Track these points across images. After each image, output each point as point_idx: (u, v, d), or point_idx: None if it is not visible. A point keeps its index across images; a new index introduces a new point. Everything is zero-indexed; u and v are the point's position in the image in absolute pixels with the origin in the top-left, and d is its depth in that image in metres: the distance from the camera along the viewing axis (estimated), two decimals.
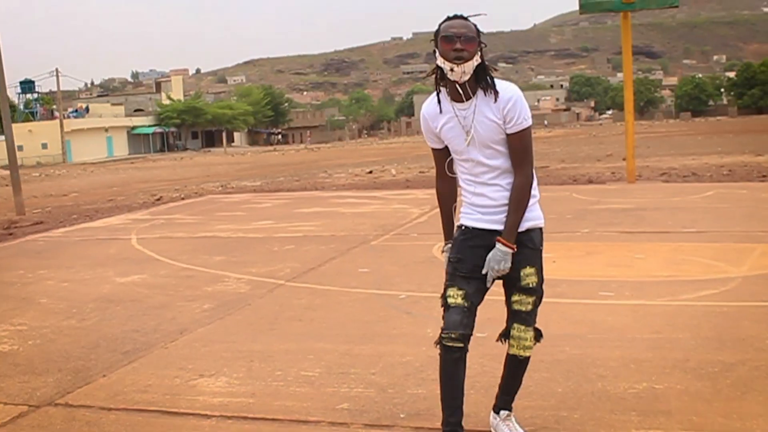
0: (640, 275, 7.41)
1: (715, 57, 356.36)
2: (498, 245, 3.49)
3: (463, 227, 3.66)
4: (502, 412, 3.77)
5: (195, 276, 8.46)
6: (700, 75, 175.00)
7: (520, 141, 3.52)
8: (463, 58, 3.40)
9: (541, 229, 3.65)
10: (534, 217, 3.60)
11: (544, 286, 3.65)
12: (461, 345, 3.48)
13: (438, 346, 3.53)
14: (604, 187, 16.29)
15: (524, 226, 3.56)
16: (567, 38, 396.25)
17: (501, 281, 3.61)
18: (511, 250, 3.49)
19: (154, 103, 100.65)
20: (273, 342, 5.72)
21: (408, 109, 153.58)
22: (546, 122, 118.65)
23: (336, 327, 6.05)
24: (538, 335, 3.67)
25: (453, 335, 3.46)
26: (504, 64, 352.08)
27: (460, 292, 3.52)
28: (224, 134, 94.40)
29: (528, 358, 3.67)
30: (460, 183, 3.71)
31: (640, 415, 3.99)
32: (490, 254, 3.50)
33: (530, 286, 3.57)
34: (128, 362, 5.38)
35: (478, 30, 3.50)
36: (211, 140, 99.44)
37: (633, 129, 16.93)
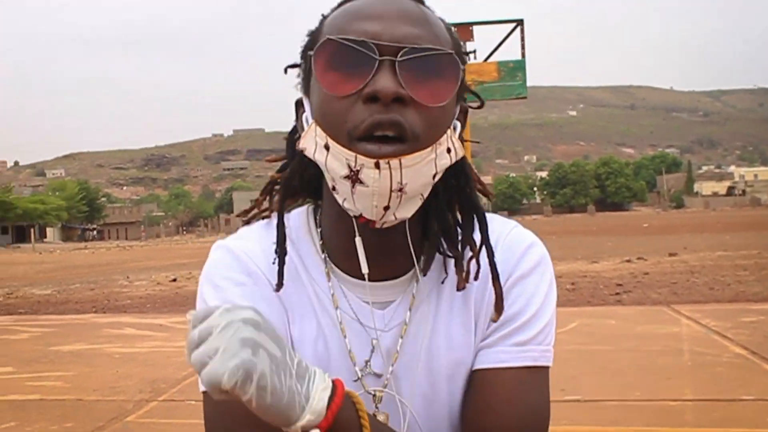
0: None
1: (526, 157, 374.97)
2: None
3: None
4: None
5: None
6: (513, 174, 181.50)
7: (520, 402, 1.19)
8: (404, 138, 1.06)
9: None
10: None
11: None
12: None
13: None
14: None
15: None
16: None
17: None
18: None
19: None
20: None
21: (227, 206, 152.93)
22: None
23: None
24: None
25: None
26: None
27: None
28: (33, 230, 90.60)
29: None
30: None
31: None
32: None
33: None
34: None
35: (455, 38, 1.19)
36: (22, 235, 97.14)
37: None
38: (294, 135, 1.24)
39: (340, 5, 1.17)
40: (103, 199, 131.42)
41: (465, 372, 1.24)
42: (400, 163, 1.05)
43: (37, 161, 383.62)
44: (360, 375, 1.20)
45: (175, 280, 23.75)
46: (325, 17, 1.18)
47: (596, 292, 15.71)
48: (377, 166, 1.04)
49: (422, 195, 1.13)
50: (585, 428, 6.23)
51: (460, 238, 1.25)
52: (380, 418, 1.17)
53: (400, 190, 1.07)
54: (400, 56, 1.05)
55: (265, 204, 1.37)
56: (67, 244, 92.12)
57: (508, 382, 1.20)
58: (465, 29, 14.06)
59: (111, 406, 7.56)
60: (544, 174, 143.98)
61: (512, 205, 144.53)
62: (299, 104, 1.21)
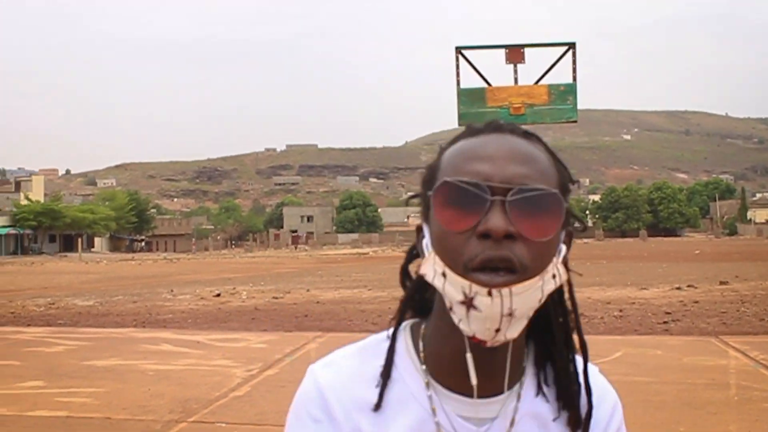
0: None
1: (579, 180, 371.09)
2: None
3: None
4: None
5: None
6: None
7: None
8: (511, 271, 1.15)
9: None
10: None
11: None
12: None
13: None
14: None
15: None
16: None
17: None
18: None
19: (11, 203, 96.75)
20: None
21: (277, 221, 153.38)
22: None
23: None
24: None
25: None
26: (375, 180, 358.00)
27: None
28: (81, 239, 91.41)
29: None
30: None
31: None
32: None
33: None
34: None
35: (561, 173, 1.26)
36: (69, 244, 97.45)
37: None
38: (409, 263, 1.36)
39: (455, 140, 1.27)
40: (152, 210, 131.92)
41: None
42: (510, 292, 1.13)
43: (89, 170, 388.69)
44: None
45: (219, 294, 23.78)
46: (442, 149, 1.28)
47: (644, 320, 15.43)
48: (490, 294, 1.12)
49: (527, 317, 1.18)
50: None
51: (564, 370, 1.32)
52: None
53: (510, 314, 1.14)
54: (510, 196, 1.14)
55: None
56: (114, 254, 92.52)
57: None
58: (516, 51, 13.88)
59: (139, 426, 7.43)
60: (596, 197, 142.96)
61: None
62: (419, 230, 1.31)
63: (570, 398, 1.29)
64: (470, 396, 1.24)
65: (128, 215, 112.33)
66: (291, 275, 35.42)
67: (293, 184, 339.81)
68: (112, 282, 33.32)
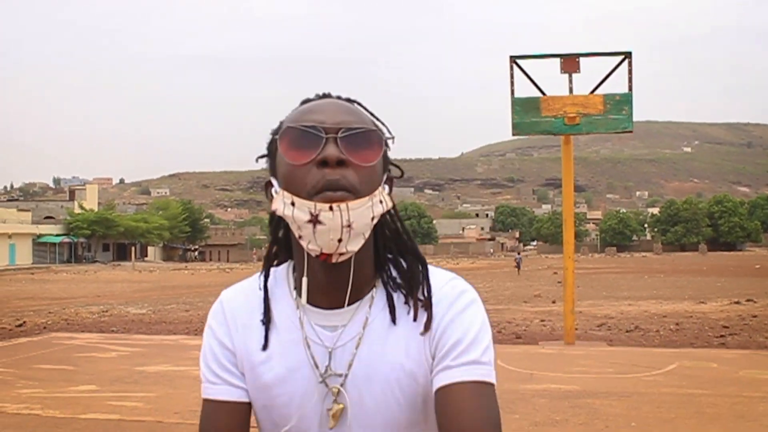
0: None
1: (638, 193, 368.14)
2: None
3: None
4: None
5: None
6: (624, 210, 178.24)
7: (484, 405, 1.49)
8: (348, 189, 1.47)
9: None
10: None
11: None
12: None
13: None
14: (537, 350, 13.16)
15: None
16: (494, 168, 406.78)
17: None
18: None
19: (65, 211, 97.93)
20: None
21: None
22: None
23: None
24: None
25: None
26: (430, 191, 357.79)
27: None
28: (134, 248, 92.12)
29: None
30: None
31: None
32: None
33: None
34: None
35: (380, 128, 1.58)
36: (123, 253, 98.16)
37: (573, 279, 13.84)
38: (274, 215, 1.61)
39: (295, 110, 1.57)
40: (206, 219, 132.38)
41: (403, 372, 1.54)
42: (347, 207, 1.42)
43: (143, 179, 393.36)
44: (322, 378, 1.54)
45: None
46: (281, 122, 1.57)
47: (701, 334, 15.19)
48: (331, 208, 1.41)
49: (364, 234, 1.48)
50: None
51: (408, 276, 1.60)
52: (336, 408, 1.54)
53: (349, 226, 1.43)
54: (340, 134, 1.45)
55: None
56: (167, 263, 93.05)
57: (466, 394, 1.47)
58: (571, 60, 13.70)
59: (190, 430, 7.46)
60: (655, 210, 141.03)
61: (621, 241, 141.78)
62: (269, 183, 1.58)
63: (414, 300, 1.56)
64: (325, 308, 1.56)
65: (181, 225, 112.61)
66: None
67: None
68: (165, 291, 33.66)
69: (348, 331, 1.57)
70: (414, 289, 1.58)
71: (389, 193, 1.57)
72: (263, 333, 1.59)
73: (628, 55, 13.63)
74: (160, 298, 27.92)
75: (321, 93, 1.61)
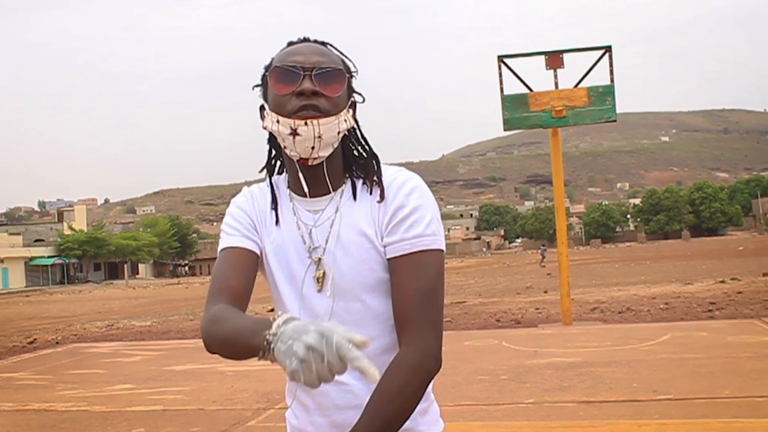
0: None
1: (619, 184, 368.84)
2: None
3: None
4: None
5: None
6: (606, 202, 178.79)
7: (420, 275, 1.90)
8: (318, 110, 1.91)
9: None
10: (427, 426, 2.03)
11: None
12: None
13: None
14: (538, 331, 13.91)
15: None
16: (475, 168, 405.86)
17: None
18: None
19: (55, 233, 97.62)
20: None
21: None
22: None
23: None
24: None
25: None
26: None
27: None
28: (126, 266, 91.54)
29: None
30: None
31: None
32: None
33: None
34: None
35: (346, 63, 2.08)
36: (114, 272, 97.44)
37: (567, 264, 14.61)
38: (263, 123, 2.07)
39: (281, 51, 2.03)
40: (193, 235, 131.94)
41: (367, 241, 1.97)
42: (318, 123, 1.90)
43: (127, 198, 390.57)
44: (309, 250, 2.00)
45: (272, 310, 23.98)
46: (272, 59, 2.03)
47: (689, 311, 15.86)
48: (306, 123, 1.89)
49: (333, 144, 1.97)
50: (676, 422, 6.51)
51: (365, 167, 2.06)
52: (319, 273, 1.96)
53: (320, 137, 1.91)
54: (314, 72, 1.92)
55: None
56: (159, 279, 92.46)
57: (405, 266, 1.91)
58: (555, 57, 14.42)
59: (231, 414, 8.11)
60: (637, 201, 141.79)
61: (605, 232, 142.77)
62: (262, 107, 2.06)
63: (371, 180, 2.02)
64: (309, 198, 2.03)
65: (170, 240, 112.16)
66: None
67: None
68: (163, 304, 33.56)
69: (325, 214, 2.02)
70: (370, 173, 2.03)
71: (353, 115, 2.05)
72: (274, 214, 2.07)
73: (608, 49, 14.38)
74: (162, 311, 27.98)
75: (302, 37, 2.07)
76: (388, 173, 2.03)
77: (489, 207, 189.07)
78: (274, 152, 2.15)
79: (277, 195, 2.09)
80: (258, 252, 2.02)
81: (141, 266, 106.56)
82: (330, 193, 2.03)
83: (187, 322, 21.57)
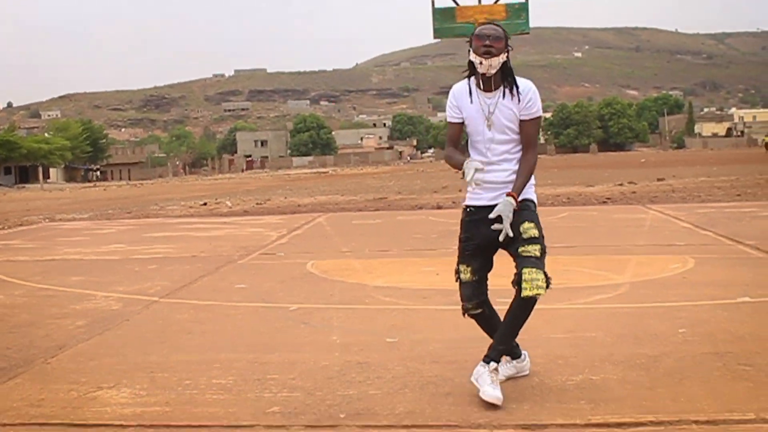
0: None
1: None
2: (506, 198, 3.99)
3: (468, 208, 4.25)
4: (491, 363, 4.05)
5: (56, 295, 7.80)
6: None
7: (534, 127, 4.18)
8: (491, 54, 4.01)
9: (534, 202, 4.26)
10: (531, 192, 4.24)
11: (545, 242, 4.13)
12: (480, 310, 4.32)
13: (465, 314, 4.35)
14: (458, 211, 16.21)
15: (523, 195, 4.13)
16: (388, 78, 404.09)
17: (507, 250, 4.13)
18: (514, 202, 3.98)
19: None
20: (168, 353, 5.27)
21: (230, 147, 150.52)
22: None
23: (234, 338, 5.69)
24: (548, 280, 4.01)
25: (469, 305, 4.30)
26: (326, 103, 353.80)
27: (469, 268, 4.27)
28: (40, 169, 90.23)
29: (536, 300, 3.99)
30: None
31: (590, 402, 3.91)
32: (500, 204, 3.98)
33: (533, 236, 4.04)
34: (8, 378, 4.77)
35: (506, 35, 4.10)
36: (25, 176, 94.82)
37: None
38: (469, 57, 4.17)
39: (479, 27, 4.15)
40: (105, 140, 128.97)
41: (513, 116, 4.16)
42: (492, 56, 4.05)
43: (32, 102, 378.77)
44: (486, 116, 4.18)
45: (205, 204, 24.57)
46: (474, 30, 4.19)
47: (587, 202, 18.39)
48: (486, 58, 4.05)
49: (496, 68, 4.09)
50: (564, 258, 8.93)
51: (510, 80, 4.21)
52: (490, 122, 4.14)
53: (490, 65, 4.06)
54: (490, 40, 4.03)
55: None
56: (70, 184, 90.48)
57: (529, 123, 4.19)
58: None
59: (221, 258, 10.22)
60: (548, 114, 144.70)
61: None
62: (469, 52, 4.14)
63: (511, 88, 4.14)
64: (485, 92, 4.21)
65: (82, 145, 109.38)
66: (261, 190, 36.09)
67: (243, 109, 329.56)
68: (88, 204, 31.59)
69: (492, 101, 4.12)
70: (512, 84, 4.11)
71: (507, 55, 4.05)
72: (469, 98, 4.17)
73: None
74: (93, 208, 26.56)
75: (486, 22, 4.35)
76: (520, 82, 4.13)
77: (402, 117, 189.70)
78: (469, 70, 4.17)
79: (472, 89, 4.17)
80: (462, 121, 4.22)
81: (52, 171, 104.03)
82: (495, 90, 4.13)
83: (126, 218, 20.24)
